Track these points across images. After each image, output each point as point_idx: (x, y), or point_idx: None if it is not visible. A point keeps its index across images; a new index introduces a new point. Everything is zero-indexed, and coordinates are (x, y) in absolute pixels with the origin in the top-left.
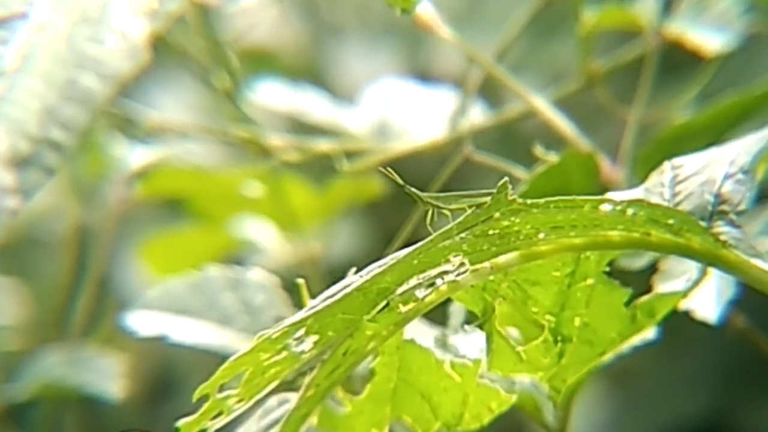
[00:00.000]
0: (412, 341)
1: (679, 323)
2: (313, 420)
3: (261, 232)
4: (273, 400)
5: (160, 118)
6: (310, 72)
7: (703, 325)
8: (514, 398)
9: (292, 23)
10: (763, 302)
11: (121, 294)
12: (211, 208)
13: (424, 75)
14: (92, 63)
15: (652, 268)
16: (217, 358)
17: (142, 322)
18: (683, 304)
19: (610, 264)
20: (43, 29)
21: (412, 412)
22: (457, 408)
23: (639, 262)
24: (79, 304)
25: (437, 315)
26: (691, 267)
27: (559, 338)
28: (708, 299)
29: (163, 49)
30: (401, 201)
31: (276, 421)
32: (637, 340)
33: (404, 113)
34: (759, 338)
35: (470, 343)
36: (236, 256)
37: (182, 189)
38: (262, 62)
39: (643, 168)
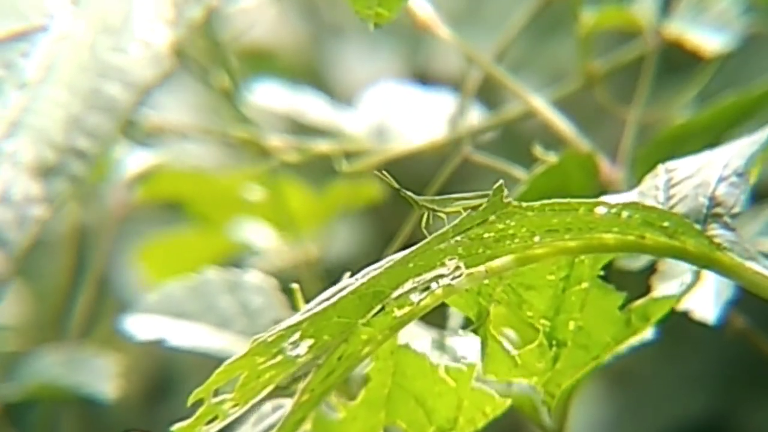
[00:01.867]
0: (406, 346)
1: (678, 324)
2: (308, 426)
3: (259, 235)
4: (267, 406)
5: (159, 119)
6: (310, 72)
7: (702, 325)
8: (508, 402)
9: (292, 23)
10: (762, 303)
11: (120, 295)
12: (210, 211)
13: (423, 75)
14: (116, 72)
15: (651, 269)
16: (216, 359)
17: (141, 325)
18: (682, 305)
19: (606, 267)
20: (65, 40)
21: (406, 417)
22: (451, 412)
23: (638, 262)
24: (77, 305)
25: (435, 317)
26: (689, 268)
27: (553, 342)
28: (706, 300)
29: None
30: (400, 203)
31: (270, 427)
32: (636, 340)
33: (403, 116)
34: (758, 339)
35: (468, 345)
36: (235, 259)
37: (181, 191)
38: (261, 62)
39: (642, 168)
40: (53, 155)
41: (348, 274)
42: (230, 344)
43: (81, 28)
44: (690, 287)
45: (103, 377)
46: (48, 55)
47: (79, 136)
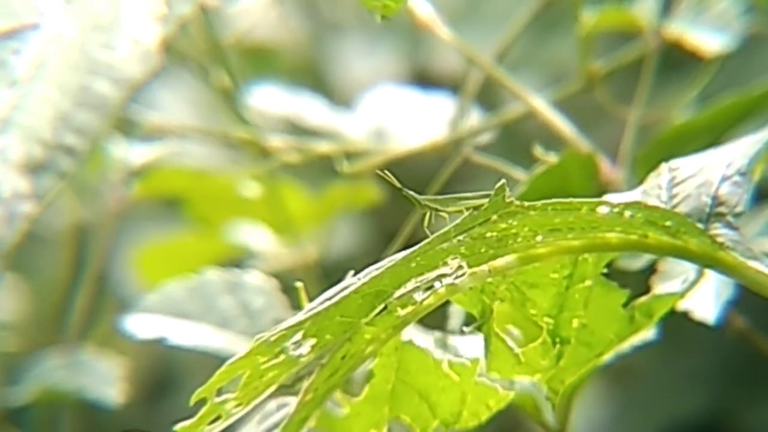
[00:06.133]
0: (410, 342)
1: (679, 322)
2: (312, 422)
3: (257, 237)
4: (272, 404)
5: (159, 118)
6: (310, 70)
7: (702, 324)
8: (511, 395)
9: (292, 21)
10: (762, 302)
11: (119, 292)
12: (207, 211)
13: (423, 74)
14: (105, 69)
15: (651, 269)
16: (216, 359)
17: (141, 325)
18: (683, 305)
19: (608, 265)
20: (56, 38)
21: (410, 412)
22: (455, 406)
23: (638, 262)
24: (77, 301)
25: (436, 318)
26: (690, 268)
27: (557, 340)
28: (706, 300)
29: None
30: (399, 203)
31: (275, 425)
32: (637, 339)
33: (401, 120)
34: (758, 338)
35: (470, 344)
36: (232, 261)
37: (180, 189)
38: (262, 60)
39: (642, 168)
40: (42, 152)
41: (351, 273)
42: (231, 344)
43: (71, 25)
44: (693, 284)
45: (106, 381)
46: (39, 53)
47: (67, 133)
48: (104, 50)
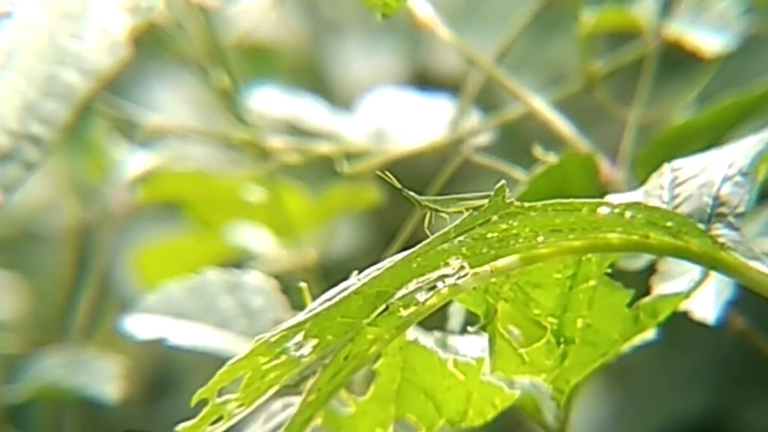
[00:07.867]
0: (415, 341)
1: (679, 322)
2: (318, 421)
3: (258, 239)
4: (277, 404)
5: (160, 120)
6: (310, 70)
7: (702, 324)
8: (517, 394)
9: (292, 20)
10: (762, 302)
11: (121, 294)
12: (209, 214)
13: (423, 74)
14: (73, 58)
15: (651, 269)
16: (216, 358)
17: (141, 325)
18: (682, 305)
19: (611, 266)
20: (27, 27)
21: (416, 411)
22: (461, 405)
23: (638, 262)
24: (78, 302)
25: (435, 318)
26: (690, 268)
27: (561, 340)
28: (706, 300)
29: (163, 48)
30: (399, 204)
31: (280, 425)
32: (637, 339)
33: (401, 122)
34: (758, 338)
35: (470, 343)
36: (233, 262)
37: (181, 193)
38: (262, 60)
39: (642, 169)
40: (8, 141)
41: (355, 273)
42: (230, 344)
43: (42, 15)
44: (699, 284)
45: (106, 379)
46: (9, 41)
47: (34, 122)
48: (73, 40)
